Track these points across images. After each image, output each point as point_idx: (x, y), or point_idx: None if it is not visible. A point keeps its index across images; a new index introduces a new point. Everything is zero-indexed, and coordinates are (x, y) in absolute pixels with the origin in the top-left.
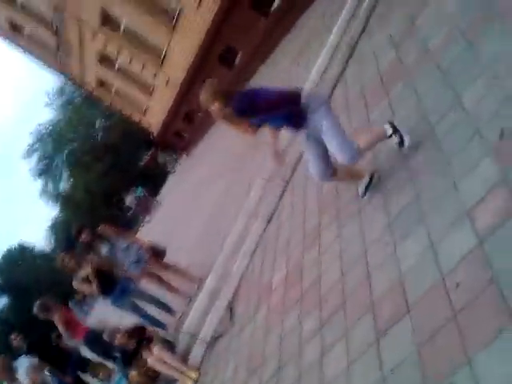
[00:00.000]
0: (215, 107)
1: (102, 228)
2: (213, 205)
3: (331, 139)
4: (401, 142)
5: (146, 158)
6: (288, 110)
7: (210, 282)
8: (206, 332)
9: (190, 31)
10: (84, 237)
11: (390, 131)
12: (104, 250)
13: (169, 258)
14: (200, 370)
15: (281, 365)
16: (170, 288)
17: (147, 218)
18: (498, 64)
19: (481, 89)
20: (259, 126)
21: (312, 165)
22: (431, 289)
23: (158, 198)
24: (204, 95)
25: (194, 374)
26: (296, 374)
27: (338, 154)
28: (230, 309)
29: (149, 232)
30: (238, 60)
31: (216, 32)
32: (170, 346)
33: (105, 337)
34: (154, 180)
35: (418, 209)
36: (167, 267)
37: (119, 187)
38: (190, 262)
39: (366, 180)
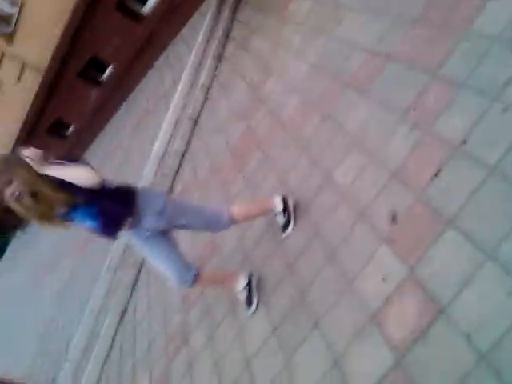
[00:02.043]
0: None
1: None
2: (55, 297)
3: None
4: (286, 224)
5: None
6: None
7: None
8: None
9: (11, 105)
10: None
11: (280, 207)
12: None
13: None
14: None
15: None
16: None
17: None
18: (363, 132)
19: (352, 166)
20: (68, 219)
21: (163, 269)
22: None
23: None
24: None
25: None
26: None
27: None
28: None
29: None
30: (70, 131)
31: (42, 105)
32: None
33: None
34: None
35: (309, 313)
36: None
37: None
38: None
39: (243, 284)
